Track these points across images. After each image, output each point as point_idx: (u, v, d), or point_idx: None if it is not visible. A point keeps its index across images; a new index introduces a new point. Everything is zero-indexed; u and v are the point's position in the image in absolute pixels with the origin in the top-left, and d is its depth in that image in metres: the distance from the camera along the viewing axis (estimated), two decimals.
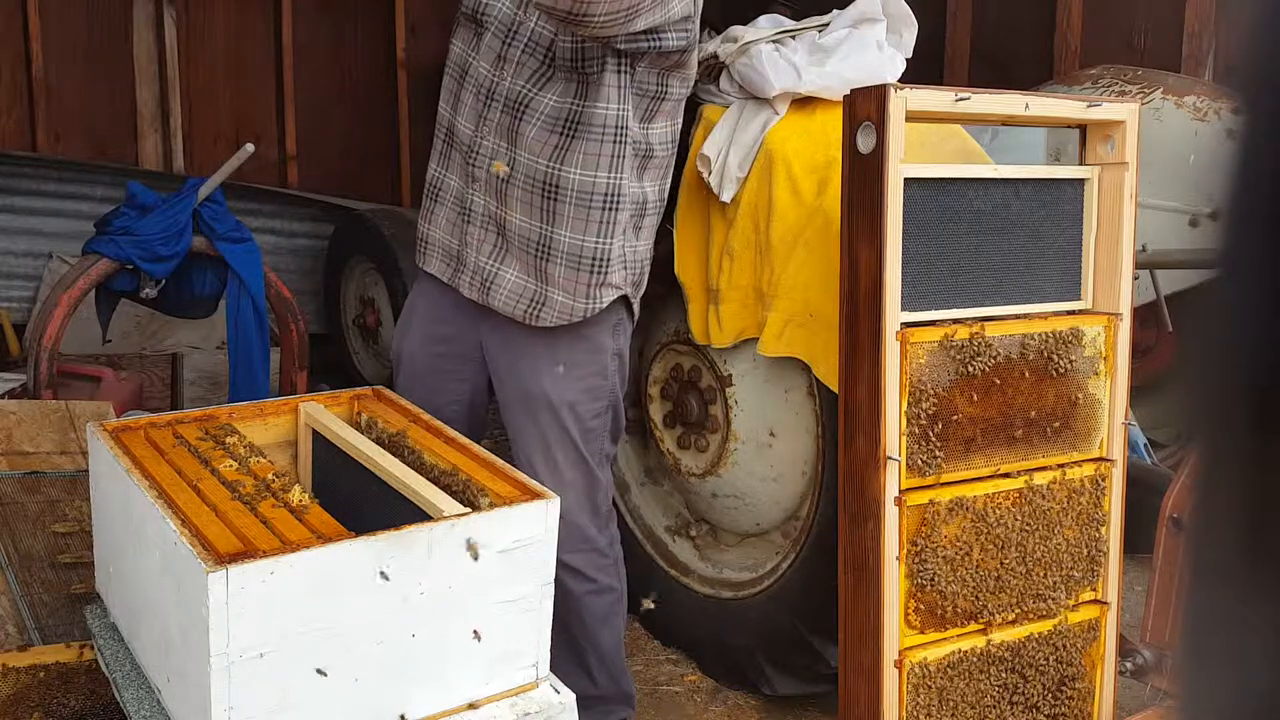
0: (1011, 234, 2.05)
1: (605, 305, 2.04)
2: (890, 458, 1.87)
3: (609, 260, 2.01)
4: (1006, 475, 2.03)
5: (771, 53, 2.35)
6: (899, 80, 2.30)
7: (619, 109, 1.95)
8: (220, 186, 3.30)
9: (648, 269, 2.16)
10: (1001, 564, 2.03)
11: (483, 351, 2.14)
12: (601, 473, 2.16)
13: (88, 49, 4.54)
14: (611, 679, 2.24)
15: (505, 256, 2.02)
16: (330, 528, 1.45)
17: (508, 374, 2.09)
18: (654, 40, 1.89)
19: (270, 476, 1.59)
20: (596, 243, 1.99)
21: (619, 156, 1.97)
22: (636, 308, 2.17)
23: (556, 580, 2.13)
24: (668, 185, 2.14)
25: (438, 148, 2.13)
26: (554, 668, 2.18)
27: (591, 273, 2.00)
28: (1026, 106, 2.02)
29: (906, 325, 1.90)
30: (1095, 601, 2.17)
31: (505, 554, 1.50)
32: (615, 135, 1.96)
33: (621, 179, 1.99)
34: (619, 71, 1.93)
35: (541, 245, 1.99)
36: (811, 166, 2.28)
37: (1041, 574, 2.08)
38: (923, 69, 2.58)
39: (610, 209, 1.99)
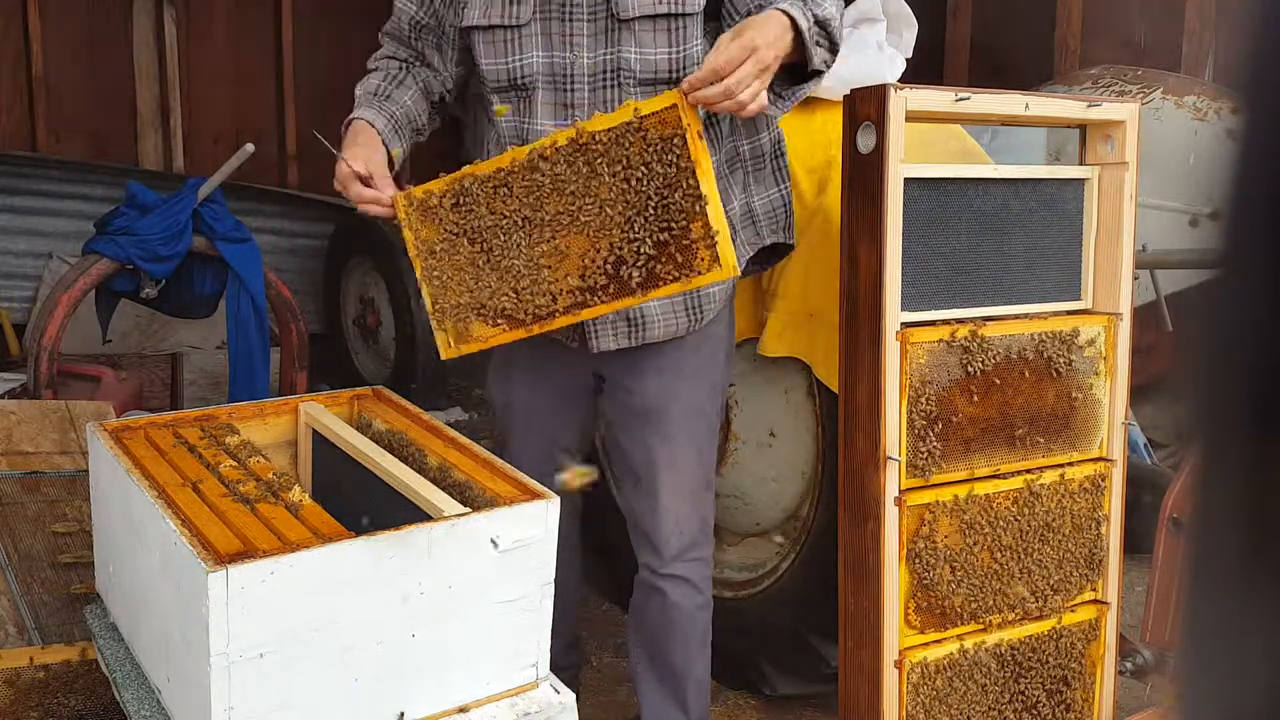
0: (1011, 234, 2.05)
1: (747, 262, 1.96)
2: (890, 458, 1.87)
3: (734, 229, 1.91)
4: (1006, 475, 2.03)
5: None
6: (899, 80, 2.30)
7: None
8: (220, 186, 3.31)
9: (780, 209, 2.04)
10: (1001, 564, 2.03)
11: (594, 379, 2.03)
12: (713, 477, 2.09)
13: (88, 49, 4.54)
14: (702, 708, 2.14)
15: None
16: (330, 527, 1.45)
17: (632, 388, 1.97)
18: None
19: (270, 476, 1.59)
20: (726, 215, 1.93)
21: (713, 140, 1.86)
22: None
23: (661, 595, 2.06)
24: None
25: None
26: (644, 705, 2.13)
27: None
28: (1026, 106, 2.02)
29: (906, 325, 1.90)
30: (1095, 601, 2.17)
31: (505, 554, 1.50)
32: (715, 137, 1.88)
33: (719, 156, 1.89)
34: None
35: None
36: (811, 166, 2.28)
37: (1041, 574, 2.08)
38: (923, 69, 2.58)
39: (726, 176, 1.91)
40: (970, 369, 1.97)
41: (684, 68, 1.76)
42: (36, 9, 4.36)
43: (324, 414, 1.86)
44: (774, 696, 2.59)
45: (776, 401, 2.49)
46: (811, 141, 2.31)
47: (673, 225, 1.60)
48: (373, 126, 1.87)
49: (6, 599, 1.99)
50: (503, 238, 1.72)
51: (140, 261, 3.16)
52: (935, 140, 2.34)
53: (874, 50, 2.35)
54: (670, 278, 1.61)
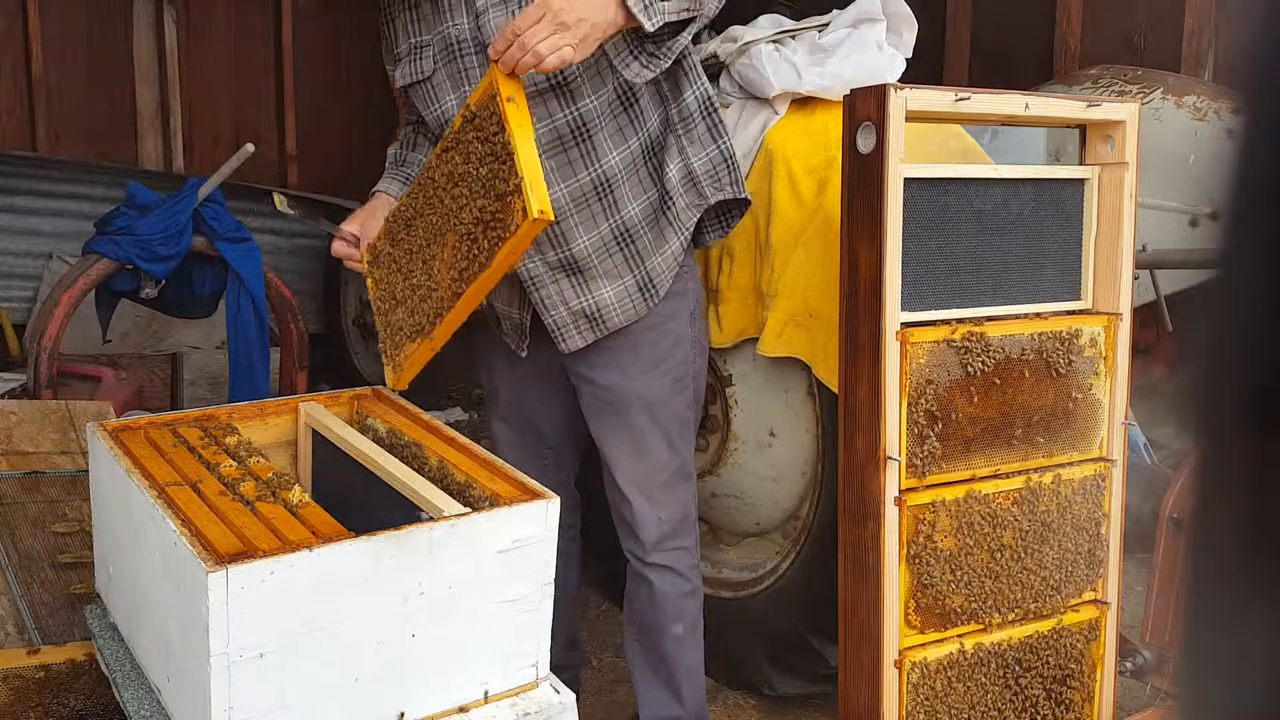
0: (1011, 234, 2.06)
1: (694, 225, 1.99)
2: (890, 458, 1.87)
3: (672, 196, 1.95)
4: (1007, 475, 2.03)
5: (771, 53, 2.36)
6: (899, 80, 2.30)
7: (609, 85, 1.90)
8: (220, 186, 3.30)
9: (721, 165, 2.03)
10: (1001, 564, 2.03)
11: (563, 366, 2.08)
12: (693, 470, 2.14)
13: (88, 49, 4.54)
14: (697, 698, 2.18)
15: (591, 282, 1.95)
16: (330, 527, 1.45)
17: (595, 380, 2.04)
18: None
19: (270, 476, 1.59)
20: (658, 190, 1.95)
21: (635, 118, 1.92)
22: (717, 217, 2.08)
23: (648, 584, 2.11)
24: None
25: None
26: (639, 695, 2.17)
27: (665, 212, 1.96)
28: (1026, 106, 2.02)
29: (906, 325, 1.90)
30: (1095, 601, 2.17)
31: (505, 554, 1.50)
32: (621, 104, 1.91)
33: (649, 127, 1.94)
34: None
35: (620, 236, 1.94)
36: (811, 166, 2.28)
37: (1041, 574, 2.08)
38: (923, 69, 2.58)
39: (653, 156, 1.95)
40: (970, 369, 1.97)
41: (562, 75, 1.83)
42: (36, 9, 4.36)
43: (324, 414, 1.86)
44: (774, 696, 2.59)
45: (776, 401, 2.49)
46: (811, 141, 2.31)
47: (498, 189, 1.67)
48: (387, 194, 2.07)
49: (6, 599, 1.99)
50: (415, 260, 1.85)
51: (140, 261, 3.16)
52: (935, 140, 2.34)
53: (874, 50, 2.35)
54: (500, 238, 1.67)
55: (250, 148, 3.25)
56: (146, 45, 4.67)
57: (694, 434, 2.14)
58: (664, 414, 2.04)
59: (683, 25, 1.78)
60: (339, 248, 2.02)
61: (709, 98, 1.99)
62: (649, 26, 1.69)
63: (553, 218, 1.66)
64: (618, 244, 1.95)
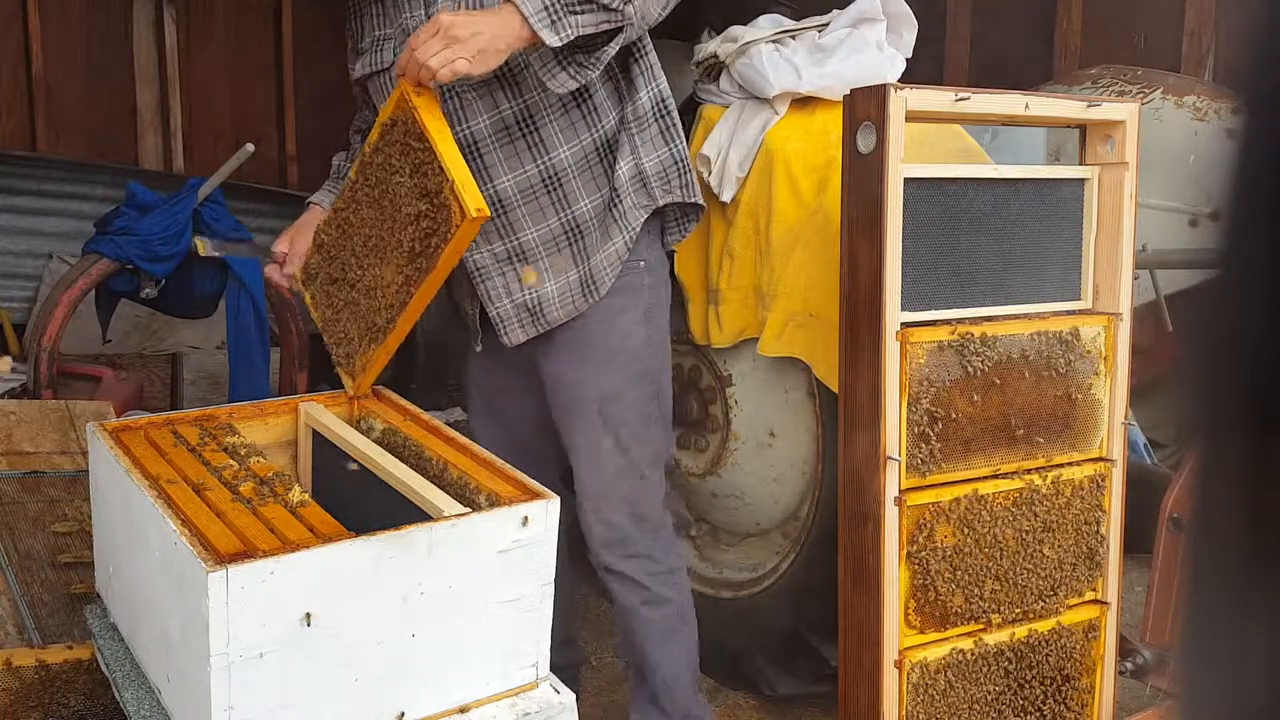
0: (1011, 234, 2.06)
1: (641, 225, 1.98)
2: (890, 458, 1.87)
3: (620, 194, 1.95)
4: (1006, 475, 2.03)
5: (771, 53, 2.36)
6: (899, 80, 2.30)
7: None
8: (220, 186, 3.30)
9: (671, 168, 2.03)
10: (1001, 564, 2.03)
11: (534, 364, 2.08)
12: (652, 472, 2.07)
13: (88, 49, 4.54)
14: (679, 706, 2.11)
15: (537, 275, 1.97)
16: (330, 527, 1.45)
17: (549, 372, 2.04)
18: None
19: (270, 476, 1.59)
20: (610, 188, 1.95)
21: (588, 114, 1.93)
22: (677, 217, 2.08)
23: (612, 593, 2.09)
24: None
25: None
26: (630, 699, 2.16)
27: (612, 209, 1.95)
28: (1026, 106, 2.02)
29: (906, 325, 1.90)
30: (1095, 601, 2.17)
31: (505, 554, 1.50)
32: (573, 99, 1.91)
33: (603, 124, 1.95)
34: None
35: (569, 231, 1.94)
36: (811, 166, 2.28)
37: (1041, 574, 2.08)
38: (922, 69, 2.58)
39: (608, 153, 1.95)
40: (970, 369, 1.97)
41: (508, 67, 1.83)
42: (36, 9, 4.35)
43: (324, 414, 1.86)
44: (774, 696, 2.59)
45: (776, 401, 2.49)
46: (811, 142, 2.31)
47: (429, 194, 1.70)
48: (320, 206, 2.09)
49: (6, 599, 1.99)
50: (356, 269, 1.88)
51: (140, 261, 3.16)
52: (935, 140, 2.34)
53: (874, 50, 2.35)
54: (441, 240, 1.70)
55: (250, 148, 3.25)
56: (146, 45, 4.67)
57: (654, 435, 2.07)
58: (616, 408, 2.01)
59: (611, 36, 1.77)
60: (270, 272, 2.07)
61: (664, 100, 2.00)
62: (553, 42, 1.68)
63: (489, 214, 1.70)
64: (566, 239, 1.96)
